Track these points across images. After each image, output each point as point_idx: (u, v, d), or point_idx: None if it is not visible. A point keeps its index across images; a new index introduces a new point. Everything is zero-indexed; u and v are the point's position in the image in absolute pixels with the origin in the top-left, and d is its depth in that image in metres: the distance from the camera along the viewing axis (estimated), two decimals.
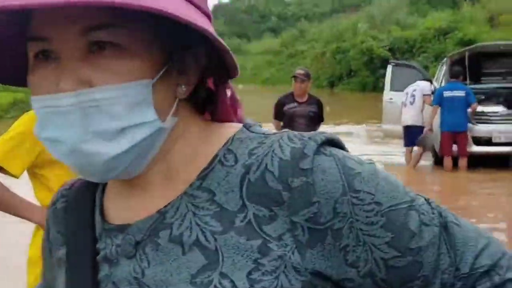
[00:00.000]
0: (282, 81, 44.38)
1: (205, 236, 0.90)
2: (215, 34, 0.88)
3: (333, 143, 0.95)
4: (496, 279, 0.98)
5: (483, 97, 12.38)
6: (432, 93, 12.66)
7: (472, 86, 12.91)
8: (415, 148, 12.50)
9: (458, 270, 0.98)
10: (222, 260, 0.88)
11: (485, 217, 8.67)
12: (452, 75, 12.25)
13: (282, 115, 8.64)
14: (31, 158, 3.03)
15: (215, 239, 0.89)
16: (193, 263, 0.89)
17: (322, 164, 0.90)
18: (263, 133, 0.96)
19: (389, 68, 14.40)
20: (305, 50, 46.24)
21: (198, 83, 0.96)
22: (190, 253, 0.90)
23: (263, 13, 79.73)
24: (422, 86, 12.48)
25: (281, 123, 8.64)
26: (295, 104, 8.58)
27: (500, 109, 12.01)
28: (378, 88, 26.65)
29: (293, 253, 0.89)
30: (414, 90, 12.44)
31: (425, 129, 12.20)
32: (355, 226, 0.91)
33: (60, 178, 2.93)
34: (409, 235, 0.94)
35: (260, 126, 1.00)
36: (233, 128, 0.98)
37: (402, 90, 13.15)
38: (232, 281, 0.87)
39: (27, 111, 3.11)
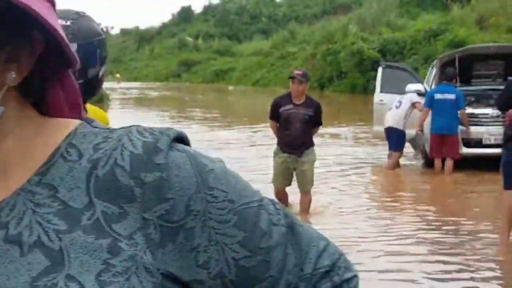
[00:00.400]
0: (272, 82, 44.50)
1: (47, 236, 0.83)
2: (54, 20, 0.84)
3: (182, 139, 0.92)
4: (336, 279, 0.99)
5: (473, 99, 12.43)
6: (422, 94, 12.71)
7: (462, 88, 12.94)
8: (394, 152, 12.50)
9: (302, 270, 0.97)
10: (69, 261, 0.82)
11: (471, 218, 8.74)
12: (446, 77, 12.24)
13: (278, 116, 8.53)
14: None
15: (60, 239, 0.83)
16: (35, 265, 0.82)
17: (176, 159, 0.87)
18: (107, 128, 0.91)
19: (380, 70, 14.38)
20: (295, 51, 46.30)
21: (33, 73, 0.89)
22: (31, 254, 0.83)
23: (253, 14, 79.83)
24: (410, 95, 12.50)
25: (278, 124, 8.64)
26: (291, 106, 8.41)
27: (490, 111, 12.04)
28: (368, 90, 26.75)
29: (144, 253, 0.85)
30: (402, 97, 12.50)
31: (416, 131, 12.25)
32: (208, 225, 0.89)
33: None
34: (260, 234, 0.93)
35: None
36: (73, 123, 0.92)
37: (392, 92, 13.18)
38: (80, 283, 0.81)
39: None
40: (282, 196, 8.53)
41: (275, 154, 8.66)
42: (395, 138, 12.43)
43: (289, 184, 8.71)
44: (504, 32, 27.08)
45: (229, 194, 0.90)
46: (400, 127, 12.33)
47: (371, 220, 8.79)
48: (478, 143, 12.04)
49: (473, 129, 12.13)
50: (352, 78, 34.57)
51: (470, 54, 14.18)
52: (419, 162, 13.48)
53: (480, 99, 12.68)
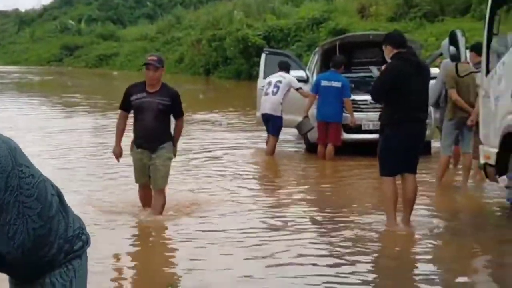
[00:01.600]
0: None
1: None
2: None
3: None
4: (84, 238, 1.20)
5: (353, 85, 12.69)
6: (303, 81, 12.89)
7: (343, 75, 13.17)
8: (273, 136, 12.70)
9: (67, 233, 1.14)
10: None
11: (352, 200, 9.00)
12: (334, 64, 12.42)
13: (129, 105, 7.72)
14: None
15: None
16: None
17: None
18: None
19: (263, 56, 14.47)
20: (181, 37, 45.98)
21: None
22: None
23: None
24: (289, 80, 12.58)
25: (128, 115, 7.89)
26: (145, 94, 7.58)
27: (369, 97, 12.28)
28: (253, 76, 26.89)
29: None
30: (279, 82, 12.52)
31: (302, 116, 12.38)
32: (18, 199, 0.98)
33: None
34: (49, 205, 1.05)
35: None
36: None
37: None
38: None
39: None
40: (145, 195, 7.96)
41: (131, 149, 7.86)
42: (273, 124, 12.59)
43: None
44: (384, 21, 27.86)
45: (31, 169, 1.00)
46: (278, 113, 12.49)
47: (251, 206, 8.83)
48: (358, 129, 12.33)
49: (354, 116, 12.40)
50: (237, 64, 34.70)
51: (350, 42, 14.47)
52: (300, 148, 13.73)
53: (360, 86, 12.96)
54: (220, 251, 6.63)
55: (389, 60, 7.49)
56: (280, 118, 12.51)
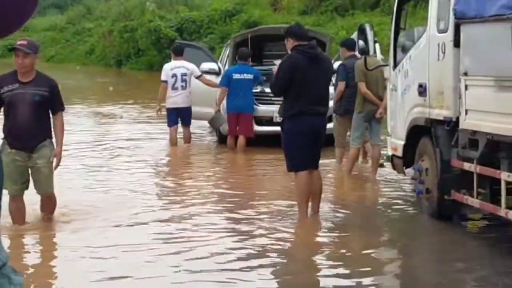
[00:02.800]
0: (68, 59, 43.10)
1: None
2: None
3: None
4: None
5: (264, 78, 12.71)
6: (216, 73, 12.86)
7: (255, 67, 13.23)
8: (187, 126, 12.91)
9: None
10: None
11: (260, 189, 9.02)
12: (240, 57, 12.50)
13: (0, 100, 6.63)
14: None
15: None
16: None
17: None
18: None
19: None
20: (92, 27, 45.09)
21: None
22: None
23: None
24: (191, 69, 12.64)
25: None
26: (17, 85, 6.57)
27: None
28: None
29: None
30: (185, 74, 12.55)
31: (215, 110, 12.39)
32: None
33: None
34: None
35: None
36: None
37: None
38: None
39: None
40: (17, 208, 6.80)
41: (1, 151, 6.54)
42: (187, 115, 12.67)
43: (26, 189, 6.86)
44: (296, 14, 28.04)
45: None
46: (189, 104, 12.62)
47: (157, 201, 8.75)
48: (269, 121, 12.37)
49: (264, 107, 12.47)
50: (150, 56, 34.32)
51: (262, 35, 14.53)
52: (212, 139, 13.74)
53: (271, 78, 12.98)
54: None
55: (289, 53, 7.53)
56: (190, 108, 12.64)
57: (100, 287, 5.62)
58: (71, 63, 40.84)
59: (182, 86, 12.53)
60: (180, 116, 12.70)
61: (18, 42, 6.71)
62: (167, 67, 12.97)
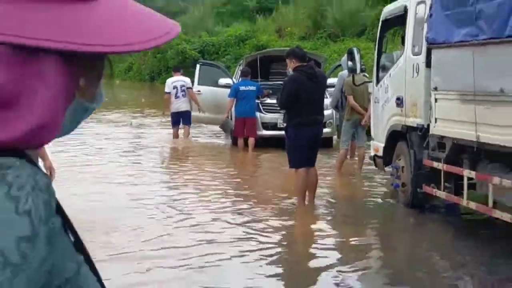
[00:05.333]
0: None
1: None
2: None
3: None
4: None
5: (270, 91, 12.76)
6: (229, 86, 12.96)
7: (263, 82, 13.35)
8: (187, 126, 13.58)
9: None
10: None
11: (267, 181, 9.03)
12: (242, 74, 12.87)
13: None
14: None
15: None
16: None
17: None
18: None
19: (198, 67, 14.50)
20: None
21: None
22: None
23: None
24: (187, 82, 13.51)
25: None
26: None
27: None
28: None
29: None
30: (183, 86, 13.38)
31: (224, 116, 12.53)
32: None
33: None
34: None
35: None
36: None
37: (207, 85, 13.43)
38: None
39: None
40: None
41: None
42: (187, 117, 13.43)
43: None
44: (297, 39, 27.92)
45: None
46: (190, 108, 13.37)
47: (176, 195, 8.71)
48: (274, 127, 12.41)
49: (270, 115, 12.55)
50: None
51: (269, 56, 14.66)
52: (226, 142, 13.74)
53: (276, 92, 12.99)
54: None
55: (290, 72, 7.50)
56: (190, 111, 13.40)
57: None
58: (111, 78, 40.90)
59: (182, 94, 13.29)
60: (181, 118, 13.37)
61: None
62: (169, 81, 13.88)
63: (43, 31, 0.73)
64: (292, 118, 7.29)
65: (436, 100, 6.74)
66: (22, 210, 0.71)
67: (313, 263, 5.66)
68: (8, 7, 0.73)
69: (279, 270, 5.50)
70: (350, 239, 6.35)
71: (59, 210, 0.79)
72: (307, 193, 7.47)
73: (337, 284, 5.05)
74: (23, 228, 0.70)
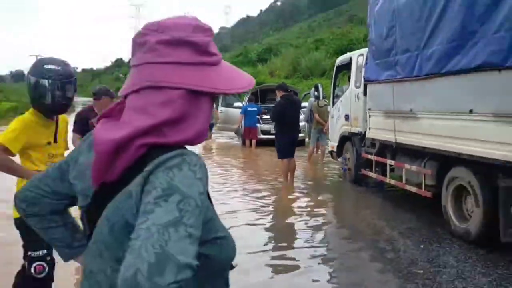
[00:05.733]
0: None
1: None
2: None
3: None
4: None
5: (266, 111, 12.82)
6: (240, 107, 13.11)
7: (262, 105, 13.44)
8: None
9: None
10: None
11: (263, 166, 8.90)
12: (248, 100, 13.04)
13: None
14: (23, 143, 2.43)
15: None
16: None
17: None
18: None
19: (221, 96, 14.35)
20: None
21: None
22: None
23: None
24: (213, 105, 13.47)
25: None
26: None
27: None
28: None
29: None
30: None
31: (236, 126, 12.80)
32: None
33: (38, 156, 2.48)
34: None
35: None
36: None
37: (227, 106, 13.71)
38: None
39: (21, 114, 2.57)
40: None
41: None
42: (211, 126, 13.29)
43: None
44: (283, 77, 27.93)
45: None
46: (213, 121, 13.44)
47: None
48: (268, 132, 12.48)
49: (266, 125, 12.69)
50: None
51: (265, 88, 14.68)
52: (238, 142, 13.69)
53: (269, 111, 13.02)
54: None
55: (278, 99, 7.49)
56: (213, 123, 13.51)
57: None
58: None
59: None
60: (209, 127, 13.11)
61: None
62: None
63: (205, 82, 0.85)
64: (280, 129, 7.30)
65: (369, 116, 6.74)
66: (199, 177, 0.79)
67: (291, 219, 5.58)
68: (189, 68, 0.85)
69: (266, 220, 5.38)
70: (315, 204, 6.32)
71: None
72: (289, 174, 7.47)
73: (303, 230, 5.00)
74: (200, 187, 0.79)
